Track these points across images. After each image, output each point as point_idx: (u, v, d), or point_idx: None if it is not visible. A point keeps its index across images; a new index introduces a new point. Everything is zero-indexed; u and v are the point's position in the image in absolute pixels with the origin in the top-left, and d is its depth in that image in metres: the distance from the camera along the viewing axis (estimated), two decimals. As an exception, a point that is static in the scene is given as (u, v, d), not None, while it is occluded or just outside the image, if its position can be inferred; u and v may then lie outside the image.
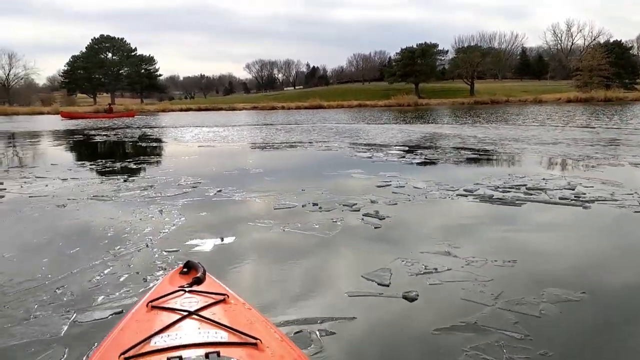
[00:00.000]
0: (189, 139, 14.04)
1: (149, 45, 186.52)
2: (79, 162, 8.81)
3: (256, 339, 1.29)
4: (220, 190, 5.64)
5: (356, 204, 4.82)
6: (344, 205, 4.78)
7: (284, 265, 3.19)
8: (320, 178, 6.57)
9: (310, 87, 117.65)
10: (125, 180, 6.56)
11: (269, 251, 3.51)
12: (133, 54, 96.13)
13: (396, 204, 4.85)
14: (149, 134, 17.48)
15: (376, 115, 30.89)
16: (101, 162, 8.66)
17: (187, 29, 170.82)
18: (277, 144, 11.80)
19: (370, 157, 8.62)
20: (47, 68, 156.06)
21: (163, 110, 61.38)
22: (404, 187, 5.72)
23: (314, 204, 4.86)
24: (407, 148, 10.09)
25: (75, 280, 2.88)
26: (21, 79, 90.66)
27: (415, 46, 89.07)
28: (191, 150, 10.56)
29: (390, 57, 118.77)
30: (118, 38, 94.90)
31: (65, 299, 2.60)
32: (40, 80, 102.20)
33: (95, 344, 1.99)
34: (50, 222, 4.37)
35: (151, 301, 1.54)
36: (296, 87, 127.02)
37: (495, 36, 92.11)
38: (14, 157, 10.47)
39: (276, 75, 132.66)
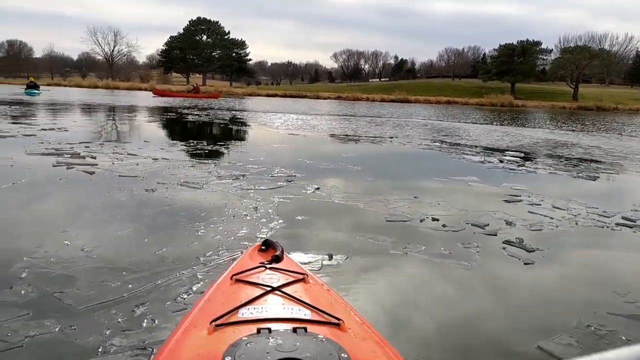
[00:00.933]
0: (278, 125, 13.61)
1: (242, 30, 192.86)
2: (171, 141, 8.57)
3: (339, 319, 1.29)
4: (318, 189, 4.94)
5: (488, 224, 3.89)
6: (472, 224, 3.87)
7: (417, 313, 2.38)
8: (430, 183, 5.68)
9: (396, 79, 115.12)
10: (216, 166, 6.08)
11: (394, 283, 2.73)
12: (226, 37, 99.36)
13: (541, 229, 3.85)
14: (239, 117, 17.38)
15: (469, 114, 28.98)
16: (192, 142, 8.35)
17: (279, 16, 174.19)
18: (370, 137, 10.97)
19: (482, 162, 7.54)
20: (147, 47, 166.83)
21: (250, 94, 62.76)
22: (540, 205, 4.67)
23: (434, 219, 4.00)
24: (522, 154, 8.83)
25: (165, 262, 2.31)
26: (124, 56, 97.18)
27: (515, 43, 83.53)
28: (282, 138, 10.03)
29: (484, 54, 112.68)
30: (213, 21, 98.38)
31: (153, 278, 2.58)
32: (141, 58, 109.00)
33: (184, 311, 2.10)
34: (137, 208, 3.91)
35: (234, 274, 1.58)
36: (381, 79, 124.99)
37: (607, 37, 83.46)
38: (110, 131, 10.56)
39: (362, 66, 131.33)
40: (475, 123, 19.31)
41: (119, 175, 5.07)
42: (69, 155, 6.07)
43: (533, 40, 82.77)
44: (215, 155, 7.10)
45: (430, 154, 8.43)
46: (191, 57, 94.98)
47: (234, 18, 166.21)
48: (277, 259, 1.73)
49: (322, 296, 1.50)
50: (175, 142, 8.34)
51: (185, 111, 18.99)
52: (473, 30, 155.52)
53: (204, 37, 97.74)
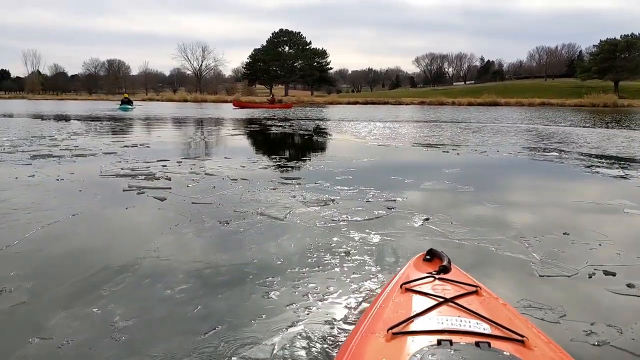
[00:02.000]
0: (365, 135, 12.62)
1: (323, 39, 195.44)
2: (252, 156, 7.92)
3: (522, 335, 1.20)
4: (427, 219, 3.88)
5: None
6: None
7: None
8: (572, 212, 4.38)
9: (482, 82, 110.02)
10: (300, 187, 5.22)
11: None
12: (307, 47, 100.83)
13: None
14: (322, 126, 16.66)
15: (571, 117, 26.04)
16: (275, 157, 7.65)
17: (358, 23, 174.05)
18: (470, 147, 9.62)
19: (625, 178, 6.00)
20: (232, 60, 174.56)
21: (331, 103, 62.64)
22: None
23: (608, 273, 2.80)
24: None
25: None
26: (211, 70, 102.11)
27: (618, 38, 75.93)
28: (372, 150, 9.03)
29: (580, 51, 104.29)
30: (295, 32, 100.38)
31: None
32: (227, 71, 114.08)
33: (354, 318, 2.11)
34: (200, 252, 3.12)
35: (404, 283, 1.56)
36: (467, 82, 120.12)
37: None
38: (191, 146, 10.22)
39: (446, 69, 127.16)
40: (584, 127, 16.98)
41: (192, 202, 4.37)
42: (143, 177, 5.55)
43: (639, 34, 74.74)
44: (299, 172, 6.27)
45: (553, 168, 6.98)
46: (274, 68, 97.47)
47: (315, 28, 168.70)
48: (445, 269, 1.67)
49: (500, 310, 1.41)
50: (256, 157, 7.67)
51: (269, 122, 18.67)
52: (566, 27, 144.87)
53: (286, 49, 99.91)
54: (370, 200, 4.63)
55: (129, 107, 32.70)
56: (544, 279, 2.73)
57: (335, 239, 3.38)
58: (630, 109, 45.23)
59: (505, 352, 1.10)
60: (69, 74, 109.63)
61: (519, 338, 1.20)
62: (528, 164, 7.34)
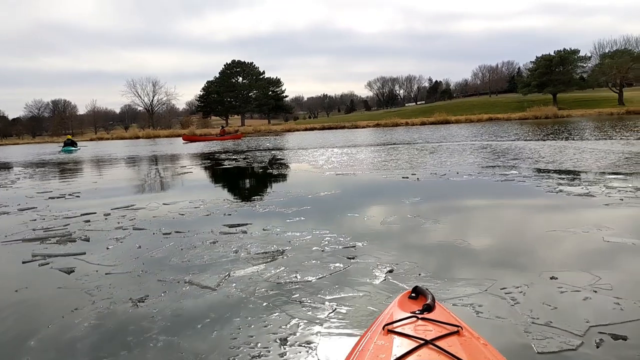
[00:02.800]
0: (322, 164, 12.02)
1: (276, 68, 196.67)
2: (194, 199, 7.07)
3: None
4: (391, 271, 3.27)
5: None
6: None
7: None
8: (549, 247, 3.87)
9: (432, 101, 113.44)
10: (245, 236, 4.51)
11: None
12: (261, 77, 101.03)
13: None
14: (278, 157, 15.99)
15: (517, 130, 26.61)
16: (220, 199, 6.89)
17: (310, 51, 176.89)
18: (431, 170, 9.18)
19: (590, 195, 5.63)
20: (185, 93, 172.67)
21: (289, 130, 62.42)
22: None
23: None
24: (620, 176, 6.84)
25: None
26: (163, 104, 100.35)
27: (552, 53, 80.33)
28: (329, 182, 8.41)
29: (519, 68, 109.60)
30: (248, 62, 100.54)
31: None
32: (180, 104, 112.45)
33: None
34: (98, 342, 2.34)
35: (386, 324, 1.55)
36: (418, 103, 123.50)
37: (644, 38, 79.06)
38: (125, 193, 9.28)
39: (397, 92, 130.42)
40: (535, 140, 17.13)
41: (106, 273, 3.56)
42: (55, 240, 4.66)
43: (570, 48, 79.48)
44: (248, 216, 5.54)
45: (517, 190, 6.55)
46: (229, 99, 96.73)
47: (267, 58, 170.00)
48: (429, 307, 1.66)
49: (480, 351, 1.40)
50: (201, 199, 6.88)
51: (222, 156, 17.84)
52: (504, 45, 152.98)
53: (240, 79, 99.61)
54: (326, 248, 3.97)
55: (73, 148, 31.46)
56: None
57: (275, 316, 2.68)
58: (570, 118, 47.41)
59: None
60: (10, 117, 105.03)
61: None
62: (491, 187, 6.90)
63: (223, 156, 17.87)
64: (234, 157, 17.09)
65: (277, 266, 3.56)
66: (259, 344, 2.33)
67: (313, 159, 13.92)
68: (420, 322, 1.55)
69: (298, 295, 2.95)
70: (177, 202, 6.73)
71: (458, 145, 16.93)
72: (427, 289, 1.83)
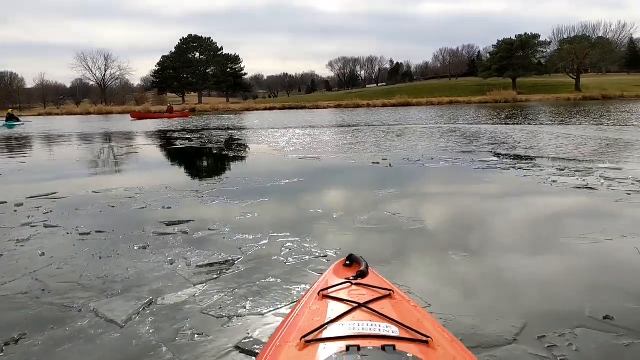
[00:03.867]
0: (284, 146, 11.03)
1: (235, 45, 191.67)
2: (131, 189, 6.00)
3: (427, 336, 1.26)
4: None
5: None
6: None
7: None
8: (575, 263, 3.14)
9: (393, 83, 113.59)
10: (186, 244, 3.56)
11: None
12: (219, 53, 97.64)
13: None
14: (236, 137, 14.83)
15: (479, 114, 26.45)
16: (162, 190, 5.83)
17: (269, 29, 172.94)
18: (400, 155, 8.41)
19: (592, 188, 4.98)
20: (140, 69, 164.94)
21: (248, 109, 60.53)
22: None
23: None
24: (611, 165, 6.27)
25: None
26: (116, 79, 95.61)
27: (513, 37, 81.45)
28: (291, 167, 7.48)
29: (479, 51, 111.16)
30: (205, 38, 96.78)
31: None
32: (135, 80, 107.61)
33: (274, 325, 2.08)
34: None
35: (321, 290, 1.59)
36: (379, 84, 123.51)
37: (600, 26, 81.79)
38: (54, 178, 8.04)
39: (358, 73, 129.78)
40: (502, 124, 16.75)
41: (-22, 301, 2.54)
42: None
43: (531, 33, 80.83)
44: (193, 212, 4.56)
45: (504, 181, 5.86)
46: (185, 75, 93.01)
47: (226, 34, 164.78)
48: (362, 274, 1.70)
49: (410, 312, 1.46)
50: (139, 188, 5.80)
51: (175, 135, 16.52)
52: (464, 29, 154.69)
53: (197, 55, 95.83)
54: (288, 259, 3.08)
55: (15, 123, 29.34)
56: None
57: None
58: (529, 103, 48.22)
59: (408, 354, 1.14)
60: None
61: (424, 339, 1.24)
62: (476, 177, 6.16)
63: (176, 135, 16.55)
64: (187, 136, 15.81)
65: (222, 287, 2.65)
66: None
67: (273, 140, 12.90)
68: (354, 287, 1.59)
69: (246, 335, 2.07)
70: (110, 190, 5.64)
71: (425, 128, 16.31)
72: (361, 257, 1.86)
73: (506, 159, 7.62)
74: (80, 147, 12.93)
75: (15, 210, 4.64)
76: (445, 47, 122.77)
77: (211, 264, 3.03)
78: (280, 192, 5.37)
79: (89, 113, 65.04)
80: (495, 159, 7.56)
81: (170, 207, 4.67)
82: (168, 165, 8.97)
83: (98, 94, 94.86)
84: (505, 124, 16.96)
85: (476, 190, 5.32)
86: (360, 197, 5.13)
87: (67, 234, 3.80)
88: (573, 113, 23.41)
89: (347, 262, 1.87)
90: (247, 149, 11.06)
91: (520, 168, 6.53)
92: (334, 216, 4.18)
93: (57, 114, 67.42)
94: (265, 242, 3.46)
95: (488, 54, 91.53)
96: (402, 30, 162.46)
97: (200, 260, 3.10)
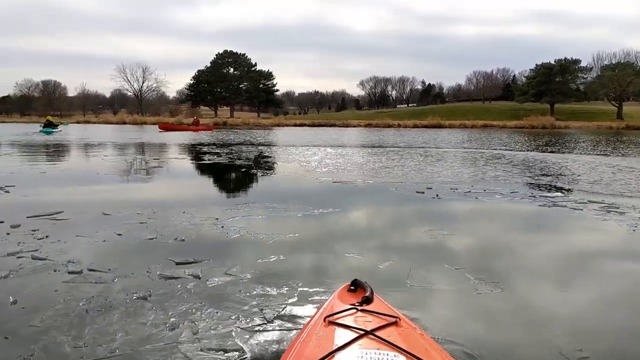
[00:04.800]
0: (315, 166, 10.28)
1: (268, 61, 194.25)
2: (149, 218, 5.34)
3: None
4: None
5: None
6: None
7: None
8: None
9: (424, 104, 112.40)
10: (197, 299, 2.82)
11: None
12: (253, 69, 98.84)
13: None
14: (266, 154, 14.19)
15: (517, 139, 25.15)
16: (183, 215, 5.14)
17: (302, 46, 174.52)
18: (446, 181, 7.54)
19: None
20: (176, 82, 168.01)
21: (278, 125, 60.48)
22: None
23: None
24: None
25: None
26: (153, 91, 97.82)
27: (552, 62, 79.40)
28: (323, 193, 6.70)
29: (514, 75, 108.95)
30: (240, 53, 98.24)
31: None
32: (170, 93, 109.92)
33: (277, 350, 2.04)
34: None
35: (327, 316, 1.56)
36: (409, 105, 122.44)
37: (644, 53, 78.75)
38: (69, 193, 7.49)
39: (389, 92, 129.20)
40: (547, 152, 15.60)
41: None
42: None
43: (572, 58, 78.56)
44: (207, 246, 3.83)
45: (594, 227, 4.92)
46: (219, 89, 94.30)
47: (259, 51, 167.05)
48: (368, 300, 1.69)
49: (416, 340, 1.45)
50: (151, 209, 5.12)
51: (204, 149, 16.00)
52: (499, 52, 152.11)
53: (231, 70, 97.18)
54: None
55: (52, 130, 29.90)
56: None
57: None
58: (568, 130, 46.35)
59: None
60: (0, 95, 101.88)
61: None
62: (543, 217, 5.23)
63: (205, 149, 16.04)
64: (216, 150, 15.28)
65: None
66: None
67: (304, 159, 12.17)
68: (359, 313, 1.58)
69: None
70: (120, 212, 4.96)
71: (465, 152, 15.32)
72: (365, 282, 1.85)
73: (571, 194, 6.64)
74: (106, 158, 12.51)
75: (8, 233, 4.01)
76: (478, 70, 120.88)
77: (223, 336, 2.26)
78: (313, 227, 4.57)
79: (124, 122, 66.33)
80: (559, 194, 6.59)
81: (184, 240, 3.94)
82: (191, 183, 8.33)
83: (135, 105, 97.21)
84: (552, 151, 15.81)
85: (552, 238, 4.39)
86: (409, 236, 4.30)
87: (55, 271, 3.11)
88: (624, 143, 21.94)
89: (352, 287, 1.86)
90: (277, 169, 10.36)
91: (594, 209, 5.53)
92: (380, 267, 3.35)
93: (95, 122, 69.10)
94: (293, 300, 2.68)
95: (524, 78, 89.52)
96: (435, 51, 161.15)
97: (209, 326, 2.34)
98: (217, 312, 2.51)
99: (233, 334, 2.28)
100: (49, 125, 30.97)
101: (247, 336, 2.26)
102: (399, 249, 3.82)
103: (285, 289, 2.86)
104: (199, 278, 3.03)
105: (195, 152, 14.96)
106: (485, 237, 4.34)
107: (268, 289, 2.86)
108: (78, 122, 68.39)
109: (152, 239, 3.98)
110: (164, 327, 2.34)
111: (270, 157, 13.45)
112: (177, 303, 2.63)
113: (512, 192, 6.66)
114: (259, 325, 2.38)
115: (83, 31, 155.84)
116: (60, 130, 31.18)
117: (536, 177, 8.48)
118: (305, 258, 3.52)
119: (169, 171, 9.83)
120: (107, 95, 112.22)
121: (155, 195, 6.45)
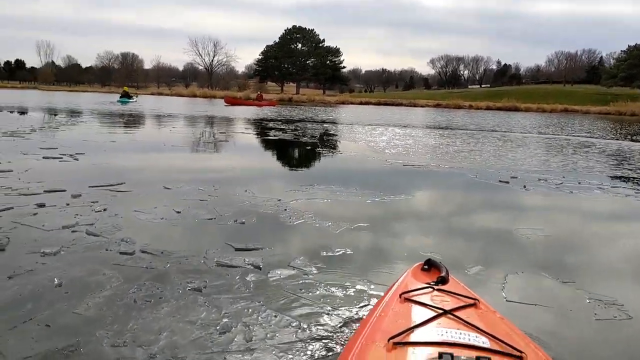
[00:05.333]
0: (383, 147, 9.74)
1: (336, 38, 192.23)
2: (208, 198, 5.12)
3: (520, 351, 1.18)
4: None
5: None
6: None
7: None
8: None
9: (498, 85, 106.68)
10: (249, 302, 2.47)
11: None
12: (321, 45, 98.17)
13: None
14: (331, 132, 13.76)
15: (599, 126, 22.88)
16: (239, 199, 4.86)
17: (372, 23, 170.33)
18: (533, 170, 6.76)
19: None
20: (245, 57, 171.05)
21: (343, 102, 59.73)
22: None
23: None
24: None
25: None
26: (222, 65, 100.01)
27: (646, 43, 72.19)
28: (397, 178, 6.18)
29: (601, 57, 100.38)
30: (308, 29, 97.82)
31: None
32: (240, 67, 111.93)
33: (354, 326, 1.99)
34: None
35: (402, 293, 1.56)
36: (482, 85, 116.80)
37: None
38: (126, 165, 7.48)
39: (461, 72, 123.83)
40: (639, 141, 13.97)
41: None
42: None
43: (671, 39, 70.89)
44: (269, 232, 3.49)
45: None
46: (286, 65, 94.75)
47: (328, 26, 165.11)
48: (444, 280, 1.65)
49: (498, 324, 1.40)
50: (212, 187, 4.88)
51: (270, 124, 15.83)
52: (585, 32, 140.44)
53: (299, 46, 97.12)
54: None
55: (128, 100, 31.72)
56: None
57: None
58: (664, 118, 41.89)
59: None
60: (83, 65, 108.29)
61: (518, 354, 1.17)
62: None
63: (271, 124, 15.88)
64: (282, 127, 15.06)
65: None
66: None
67: (372, 139, 11.62)
68: (436, 292, 1.54)
69: None
70: (182, 187, 4.76)
71: (548, 139, 14.05)
72: (440, 262, 1.79)
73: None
74: (173, 130, 12.66)
75: (68, 204, 3.88)
76: (561, 50, 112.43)
77: (279, 349, 1.88)
78: (384, 217, 4.10)
79: (194, 95, 68.47)
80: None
81: (243, 222, 3.62)
82: (254, 159, 8.08)
83: (205, 78, 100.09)
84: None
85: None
86: (498, 239, 3.72)
87: (106, 250, 2.88)
88: None
89: (426, 267, 1.82)
90: (343, 148, 9.90)
91: None
92: (468, 273, 2.84)
93: (167, 94, 71.90)
94: (363, 305, 2.26)
95: (613, 60, 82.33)
96: (514, 30, 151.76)
97: (265, 334, 1.98)
98: (275, 317, 2.14)
99: (290, 348, 1.90)
100: (126, 96, 32.63)
101: (311, 339, 1.87)
102: (487, 251, 3.28)
103: (348, 290, 2.46)
104: (260, 269, 2.69)
105: (260, 127, 14.84)
106: (590, 241, 3.67)
107: (334, 289, 2.46)
108: (152, 94, 71.49)
109: (212, 219, 3.69)
110: (214, 330, 2.01)
111: (336, 135, 13.02)
112: (232, 299, 2.30)
113: (614, 188, 5.79)
114: (322, 336, 1.98)
115: (158, 4, 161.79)
116: (135, 101, 32.68)
117: (637, 170, 7.44)
118: (376, 254, 3.09)
119: (234, 146, 9.68)
120: (180, 68, 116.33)
121: (217, 170, 6.24)
